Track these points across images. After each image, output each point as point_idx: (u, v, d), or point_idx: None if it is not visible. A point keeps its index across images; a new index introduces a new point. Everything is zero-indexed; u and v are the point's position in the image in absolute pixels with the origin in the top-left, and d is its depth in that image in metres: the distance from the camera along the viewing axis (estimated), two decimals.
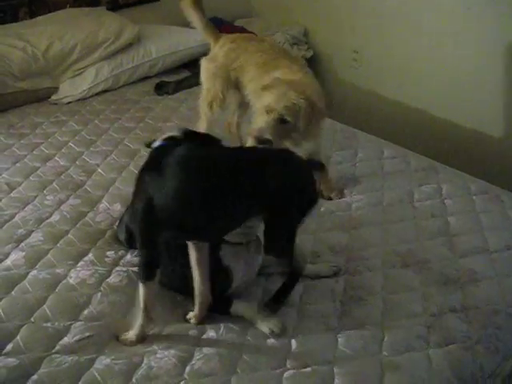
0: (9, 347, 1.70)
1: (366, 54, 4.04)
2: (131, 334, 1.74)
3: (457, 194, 2.53)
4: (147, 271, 1.70)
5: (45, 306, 1.86)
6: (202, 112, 2.76)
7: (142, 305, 1.71)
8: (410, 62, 3.73)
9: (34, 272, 2.00)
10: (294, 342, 1.74)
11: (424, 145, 3.42)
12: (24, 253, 2.09)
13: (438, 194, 2.53)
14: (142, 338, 1.74)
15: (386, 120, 3.88)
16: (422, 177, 2.67)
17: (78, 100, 3.40)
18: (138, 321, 1.73)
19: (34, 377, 1.61)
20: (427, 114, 3.69)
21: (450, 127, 3.59)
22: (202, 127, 2.72)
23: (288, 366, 1.65)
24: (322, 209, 2.41)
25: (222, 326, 1.80)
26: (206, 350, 1.71)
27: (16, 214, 2.33)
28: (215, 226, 1.69)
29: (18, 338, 1.73)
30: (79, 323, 1.80)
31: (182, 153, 1.66)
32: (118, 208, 2.36)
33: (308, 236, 2.21)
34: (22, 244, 2.14)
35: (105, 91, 3.51)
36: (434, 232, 2.28)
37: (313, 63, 4.36)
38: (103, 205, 2.39)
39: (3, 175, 2.62)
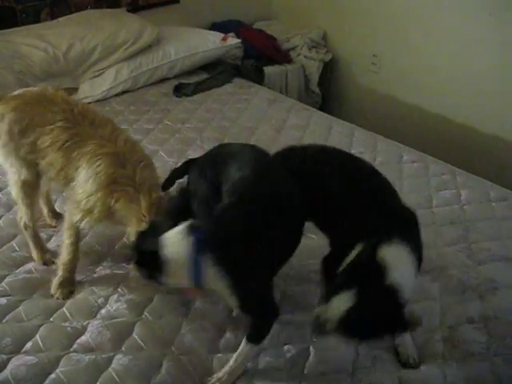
0: (28, 345, 1.73)
1: (385, 58, 4.02)
2: None
3: (476, 200, 2.52)
4: None
5: (64, 308, 1.88)
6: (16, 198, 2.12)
7: None
8: (429, 66, 3.71)
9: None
10: (311, 350, 1.73)
11: (443, 150, 3.39)
12: None
13: (457, 200, 2.52)
14: None
15: (404, 125, 3.86)
16: (441, 182, 2.66)
17: (98, 101, 3.41)
18: None
19: (52, 375, 1.63)
20: (447, 120, 3.67)
21: (469, 132, 3.57)
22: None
23: (305, 372, 1.65)
24: None
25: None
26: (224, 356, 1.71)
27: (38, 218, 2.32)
28: None
29: (37, 336, 1.76)
30: (97, 322, 1.82)
31: None
32: None
33: (327, 241, 2.20)
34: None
35: (124, 92, 3.52)
36: (453, 238, 2.26)
37: (332, 67, 4.37)
38: None
39: None
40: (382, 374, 1.67)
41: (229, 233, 1.50)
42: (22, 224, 2.10)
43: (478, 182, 2.69)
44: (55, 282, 1.95)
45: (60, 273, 1.96)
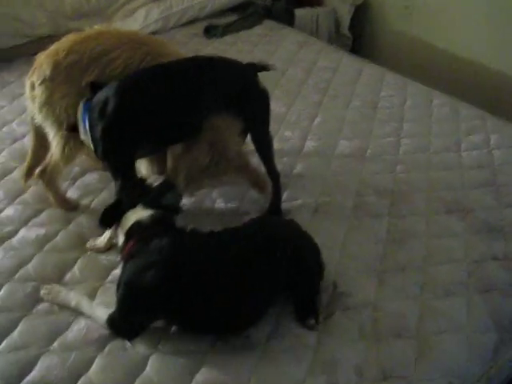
0: (68, 275, 1.81)
1: (417, 2, 3.93)
2: (99, 241, 1.91)
3: (505, 144, 2.51)
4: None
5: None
6: None
7: None
8: (463, 10, 3.62)
9: None
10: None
11: (474, 95, 3.35)
12: (80, 191, 2.19)
13: (486, 145, 2.51)
14: (108, 247, 1.91)
15: (436, 69, 3.80)
16: (471, 126, 2.65)
17: None
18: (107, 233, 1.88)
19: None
20: (479, 64, 3.61)
21: (502, 78, 3.51)
22: None
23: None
24: (369, 151, 2.43)
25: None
26: None
27: None
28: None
29: (76, 268, 1.84)
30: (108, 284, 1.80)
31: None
32: None
33: (353, 177, 2.26)
34: (78, 182, 2.24)
35: (154, 33, 3.51)
36: (480, 182, 2.28)
37: (363, 10, 4.29)
38: None
39: None
40: (403, 303, 1.72)
41: (100, 102, 1.79)
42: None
43: (508, 127, 2.67)
44: None
45: None
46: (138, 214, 1.68)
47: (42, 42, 3.21)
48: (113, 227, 1.74)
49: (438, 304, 1.72)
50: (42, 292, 1.72)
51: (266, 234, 1.68)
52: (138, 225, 1.66)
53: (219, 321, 1.60)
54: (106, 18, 3.44)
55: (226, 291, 1.56)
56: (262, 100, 1.97)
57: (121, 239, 1.68)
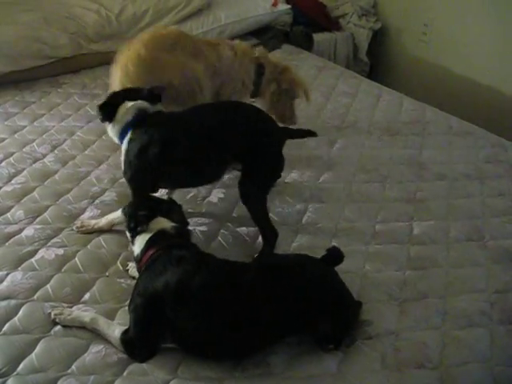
0: (86, 296, 1.79)
1: (435, 28, 3.96)
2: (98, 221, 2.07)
3: None
4: None
5: (118, 262, 1.93)
6: None
7: None
8: (481, 37, 3.64)
9: None
10: None
11: (493, 122, 3.35)
12: (99, 211, 2.17)
13: (508, 173, 2.50)
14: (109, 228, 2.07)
15: (454, 96, 3.81)
16: (490, 154, 2.65)
17: None
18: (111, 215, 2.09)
19: None
20: (498, 92, 3.61)
21: None
22: None
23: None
24: (389, 177, 2.43)
25: None
26: None
27: (91, 171, 2.41)
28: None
29: (95, 289, 1.82)
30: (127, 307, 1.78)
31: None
32: None
33: (373, 205, 2.25)
34: (97, 201, 2.22)
35: None
36: (501, 210, 2.26)
37: (381, 36, 4.32)
38: None
39: (78, 133, 2.70)
40: (425, 333, 1.70)
41: (152, 125, 1.95)
42: None
43: None
44: None
45: None
46: (162, 223, 1.70)
47: (63, 63, 3.30)
48: (129, 235, 1.75)
49: (461, 334, 1.70)
50: (53, 313, 1.70)
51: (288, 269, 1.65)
52: (162, 233, 1.67)
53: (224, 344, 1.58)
54: (127, 41, 3.48)
55: (239, 319, 1.55)
56: (265, 158, 2.02)
57: (139, 247, 1.69)
